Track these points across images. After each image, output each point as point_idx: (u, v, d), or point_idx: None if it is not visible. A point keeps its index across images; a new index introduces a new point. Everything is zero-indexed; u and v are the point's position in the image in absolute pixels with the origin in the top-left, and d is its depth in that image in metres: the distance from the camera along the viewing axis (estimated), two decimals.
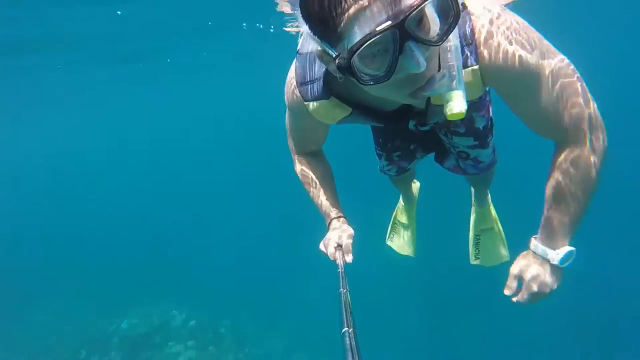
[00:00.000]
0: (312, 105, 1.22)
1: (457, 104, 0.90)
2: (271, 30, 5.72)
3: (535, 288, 1.18)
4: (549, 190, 1.16)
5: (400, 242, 2.84)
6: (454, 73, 0.88)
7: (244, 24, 5.67)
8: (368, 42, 0.74)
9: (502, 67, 0.97)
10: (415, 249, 2.80)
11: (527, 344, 4.83)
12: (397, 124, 1.32)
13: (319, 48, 0.87)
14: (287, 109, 1.43)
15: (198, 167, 16.96)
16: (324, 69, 1.15)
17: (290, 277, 7.09)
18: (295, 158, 1.61)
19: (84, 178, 19.05)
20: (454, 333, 5.12)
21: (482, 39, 0.97)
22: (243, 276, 7.47)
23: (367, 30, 0.74)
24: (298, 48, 1.24)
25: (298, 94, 1.24)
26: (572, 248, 1.16)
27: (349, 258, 1.33)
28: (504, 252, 2.40)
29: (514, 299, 1.25)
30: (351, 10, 0.74)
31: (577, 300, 4.60)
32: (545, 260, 1.19)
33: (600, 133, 1.09)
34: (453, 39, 0.89)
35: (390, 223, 2.88)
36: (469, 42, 0.97)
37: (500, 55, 0.97)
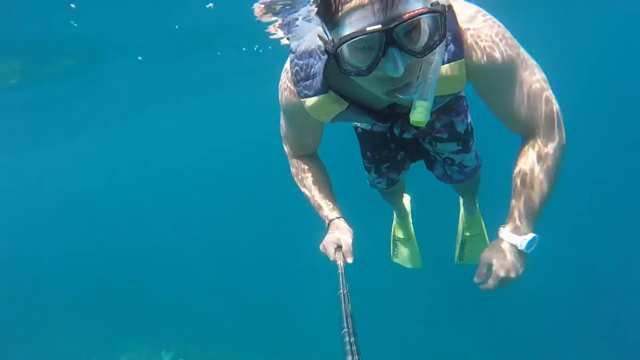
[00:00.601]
0: (309, 101, 1.25)
1: (420, 113, 0.97)
2: (260, 51, 5.78)
3: (502, 273, 1.26)
4: (516, 181, 1.27)
5: (405, 257, 2.88)
6: (429, 84, 0.95)
7: (244, 49, 5.74)
8: (356, 39, 0.81)
9: (483, 61, 1.08)
10: (421, 260, 2.86)
11: (526, 345, 4.78)
12: (385, 122, 1.37)
13: (320, 28, 0.95)
14: (281, 113, 1.45)
15: (178, 205, 16.00)
16: (322, 65, 1.18)
17: (280, 307, 6.96)
18: (292, 161, 1.61)
19: (62, 219, 18.26)
20: (455, 333, 5.07)
21: (467, 35, 1.07)
22: (230, 308, 7.34)
23: (359, 27, 0.81)
24: (292, 48, 1.27)
25: (294, 93, 1.27)
26: (536, 235, 1.26)
27: (350, 259, 1.33)
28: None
29: (483, 287, 1.32)
30: (352, 3, 0.80)
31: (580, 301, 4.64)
32: (512, 246, 1.27)
33: (562, 130, 1.23)
34: (437, 56, 0.96)
35: (391, 241, 2.92)
36: (455, 38, 1.07)
37: (483, 51, 1.08)
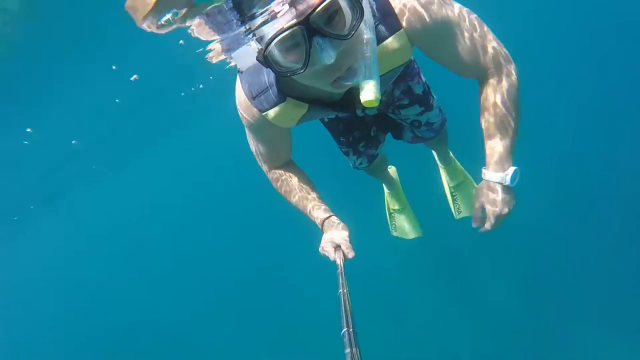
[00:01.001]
0: (271, 112, 1.27)
1: (368, 92, 1.00)
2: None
3: (495, 210, 1.35)
4: (483, 123, 1.34)
5: (404, 227, 2.94)
6: (370, 63, 0.98)
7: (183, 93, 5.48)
8: (277, 39, 0.86)
9: (420, 24, 1.14)
10: (420, 227, 2.93)
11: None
12: (347, 110, 1.40)
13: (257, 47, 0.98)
14: (246, 130, 1.45)
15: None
16: (272, 75, 1.21)
17: (280, 307, 7.01)
18: (270, 175, 1.62)
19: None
20: (455, 333, 5.16)
21: (397, 7, 1.12)
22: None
23: (277, 28, 0.86)
24: (239, 68, 1.28)
25: (254, 108, 1.29)
26: (516, 167, 1.33)
27: (351, 254, 1.33)
28: None
29: (482, 230, 1.41)
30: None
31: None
32: (497, 183, 1.35)
33: (510, 64, 1.30)
34: (369, 33, 1.01)
35: (387, 215, 2.96)
36: (387, 14, 1.12)
37: (417, 15, 1.13)
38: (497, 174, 1.33)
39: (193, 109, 7.02)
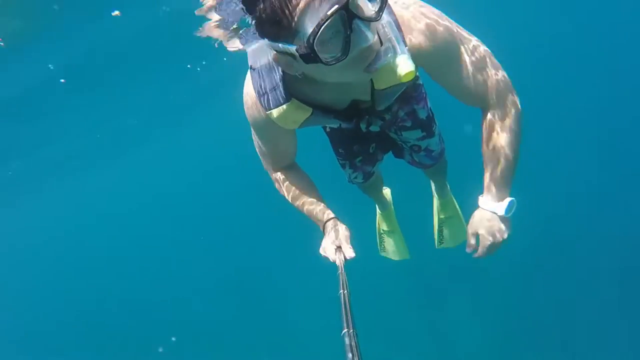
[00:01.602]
0: (275, 112, 1.27)
1: (404, 65, 1.06)
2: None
3: (489, 239, 1.37)
4: (484, 152, 1.36)
5: (392, 249, 2.96)
6: (395, 42, 1.04)
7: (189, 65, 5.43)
8: (323, 27, 0.87)
9: (426, 45, 1.16)
10: (408, 250, 2.94)
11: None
12: (350, 121, 1.43)
13: (275, 51, 1.01)
14: (252, 129, 1.46)
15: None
16: (280, 75, 1.23)
17: (280, 308, 6.90)
18: (273, 176, 1.62)
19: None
20: (455, 333, 5.10)
21: (405, 24, 1.14)
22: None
23: (319, 18, 0.87)
24: (250, 64, 1.29)
25: (259, 106, 1.29)
26: (512, 198, 1.35)
27: (352, 254, 1.33)
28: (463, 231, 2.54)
29: (475, 255, 1.42)
30: (301, 5, 0.88)
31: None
32: (492, 213, 1.37)
33: (514, 95, 1.32)
34: (386, 16, 1.06)
35: (377, 235, 2.98)
36: (395, 27, 1.12)
37: (423, 36, 1.16)
38: (493, 204, 1.36)
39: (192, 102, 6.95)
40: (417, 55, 1.17)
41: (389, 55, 1.01)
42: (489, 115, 1.33)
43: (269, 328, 6.60)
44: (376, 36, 1.00)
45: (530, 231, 3.94)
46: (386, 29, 1.05)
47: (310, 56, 0.93)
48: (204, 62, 5.13)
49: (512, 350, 4.71)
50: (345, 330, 0.81)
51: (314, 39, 0.89)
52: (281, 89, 1.23)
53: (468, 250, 1.45)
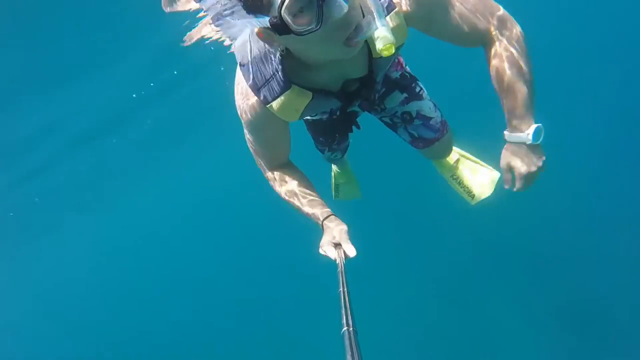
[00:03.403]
0: (276, 102, 1.26)
1: (383, 39, 1.01)
2: None
3: (524, 170, 1.32)
4: (496, 85, 1.30)
5: (346, 192, 3.12)
6: (375, 14, 1.00)
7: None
8: None
9: (412, 9, 1.17)
10: (360, 190, 3.11)
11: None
12: (349, 101, 1.42)
13: (259, 26, 1.01)
14: (245, 128, 1.43)
15: None
16: (278, 64, 1.21)
17: (280, 308, 6.88)
18: (269, 176, 1.61)
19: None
20: (455, 333, 5.10)
21: None
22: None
23: None
24: (239, 61, 1.27)
25: (256, 102, 1.28)
26: (539, 124, 1.29)
27: (352, 252, 1.31)
28: (489, 172, 2.19)
29: (515, 189, 1.37)
30: None
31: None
32: (521, 144, 1.31)
33: (511, 22, 1.28)
34: None
35: (333, 187, 3.14)
36: None
37: (410, 1, 1.16)
38: (518, 135, 1.31)
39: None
40: (407, 14, 1.17)
41: (370, 28, 0.99)
42: (493, 47, 1.29)
43: (269, 328, 6.60)
44: (357, 9, 0.99)
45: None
46: (367, 0, 1.01)
47: (281, 27, 0.93)
48: None
49: (512, 351, 4.71)
50: (345, 328, 0.81)
51: (281, 7, 0.89)
52: (280, 76, 1.22)
53: (506, 186, 1.40)
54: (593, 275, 4.61)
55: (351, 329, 0.80)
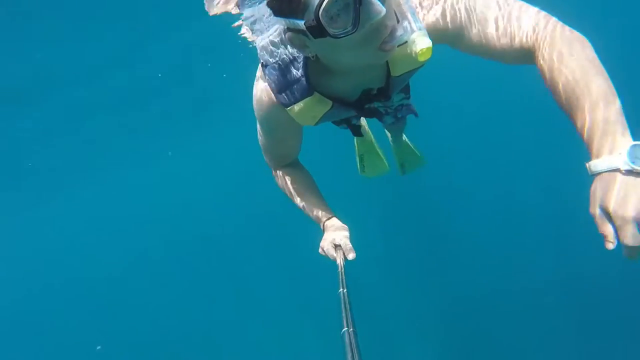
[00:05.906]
0: (296, 106, 1.26)
1: (420, 42, 0.97)
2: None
3: (631, 212, 0.78)
4: (560, 99, 0.97)
5: (372, 167, 3.00)
6: (411, 19, 0.98)
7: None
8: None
9: (444, 23, 1.12)
10: (387, 163, 3.01)
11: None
12: (364, 112, 1.41)
13: (290, 31, 1.00)
14: (259, 125, 1.44)
15: None
16: (302, 70, 1.20)
17: (279, 307, 6.89)
18: (275, 173, 1.62)
19: None
20: (455, 332, 5.11)
21: (417, 5, 1.12)
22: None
23: None
24: (262, 60, 1.27)
25: (275, 104, 1.27)
26: (636, 142, 0.83)
27: (352, 255, 1.32)
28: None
29: (625, 254, 0.81)
30: None
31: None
32: (613, 172, 0.82)
33: (553, 21, 1.04)
34: None
35: (357, 159, 3.03)
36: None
37: (435, 10, 1.12)
38: (607, 160, 0.83)
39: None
40: (436, 32, 1.11)
41: (406, 32, 0.96)
42: (544, 53, 1.00)
43: (268, 328, 6.61)
44: (391, 13, 0.96)
45: None
46: (402, 5, 0.98)
47: (317, 29, 0.91)
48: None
49: (513, 351, 4.70)
50: (345, 329, 0.81)
51: (319, 10, 0.88)
52: (304, 82, 1.21)
53: (609, 246, 0.81)
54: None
55: (351, 329, 0.81)
